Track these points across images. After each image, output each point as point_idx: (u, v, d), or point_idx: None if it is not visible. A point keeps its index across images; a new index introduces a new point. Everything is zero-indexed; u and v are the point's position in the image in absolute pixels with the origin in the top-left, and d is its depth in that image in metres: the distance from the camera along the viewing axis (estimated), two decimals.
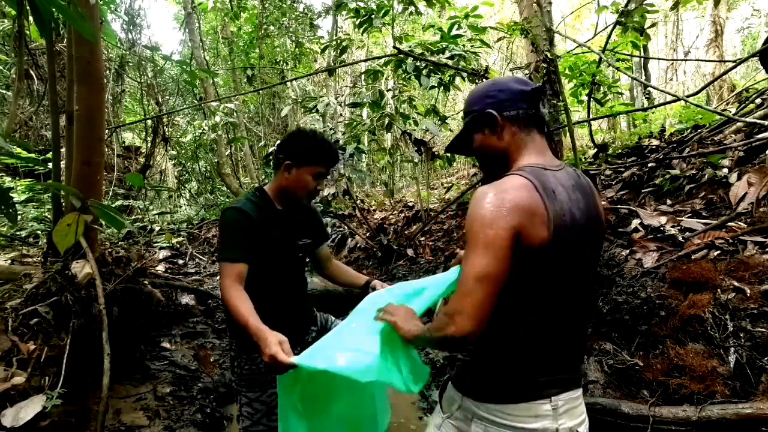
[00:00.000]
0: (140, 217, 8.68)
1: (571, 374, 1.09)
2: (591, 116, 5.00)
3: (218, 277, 5.71)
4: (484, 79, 3.80)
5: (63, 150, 2.59)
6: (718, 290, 2.06)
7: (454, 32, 4.23)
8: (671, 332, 2.03)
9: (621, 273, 2.32)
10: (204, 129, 8.73)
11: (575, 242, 1.03)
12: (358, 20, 4.67)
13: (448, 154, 5.10)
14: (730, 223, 2.66)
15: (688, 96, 4.43)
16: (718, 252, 2.45)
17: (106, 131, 3.77)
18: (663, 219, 3.08)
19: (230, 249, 1.56)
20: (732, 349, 1.84)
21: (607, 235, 3.32)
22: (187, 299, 3.61)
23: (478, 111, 1.13)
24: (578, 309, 1.10)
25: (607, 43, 4.26)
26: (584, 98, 4.58)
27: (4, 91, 6.82)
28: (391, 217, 7.00)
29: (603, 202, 3.76)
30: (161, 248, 6.83)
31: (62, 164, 2.56)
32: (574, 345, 1.11)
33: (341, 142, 4.87)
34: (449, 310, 0.98)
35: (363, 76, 7.16)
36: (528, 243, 0.97)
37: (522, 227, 0.96)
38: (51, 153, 2.54)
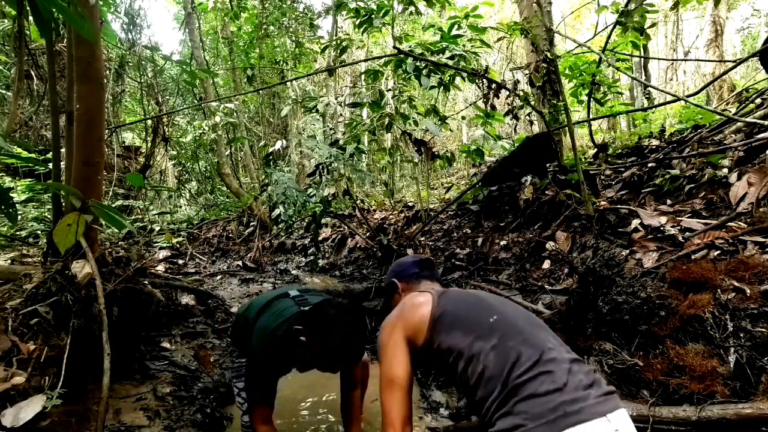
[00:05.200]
0: (140, 217, 8.69)
1: None
2: (591, 116, 5.00)
3: (219, 277, 5.72)
4: (484, 80, 3.80)
5: (63, 150, 2.59)
6: (718, 290, 2.06)
7: (454, 32, 4.23)
8: (671, 332, 2.03)
9: (621, 273, 2.31)
10: (204, 129, 8.73)
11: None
12: (358, 20, 4.67)
13: (448, 154, 5.10)
14: (730, 223, 2.66)
15: (688, 96, 4.43)
16: (718, 252, 2.45)
17: (106, 131, 3.77)
18: (663, 219, 3.08)
19: (259, 393, 1.73)
20: (732, 349, 1.84)
21: (606, 234, 3.32)
22: (187, 299, 3.61)
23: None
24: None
25: (607, 43, 4.26)
26: (584, 98, 4.58)
27: (4, 91, 6.82)
28: (391, 217, 7.00)
29: (603, 203, 3.77)
30: (161, 248, 6.84)
31: (62, 164, 2.56)
32: None
33: (341, 142, 4.87)
34: None
35: (363, 76, 7.16)
36: None
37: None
38: (51, 153, 2.54)
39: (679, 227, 2.91)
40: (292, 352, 1.65)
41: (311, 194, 4.44)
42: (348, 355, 1.65)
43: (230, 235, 8.79)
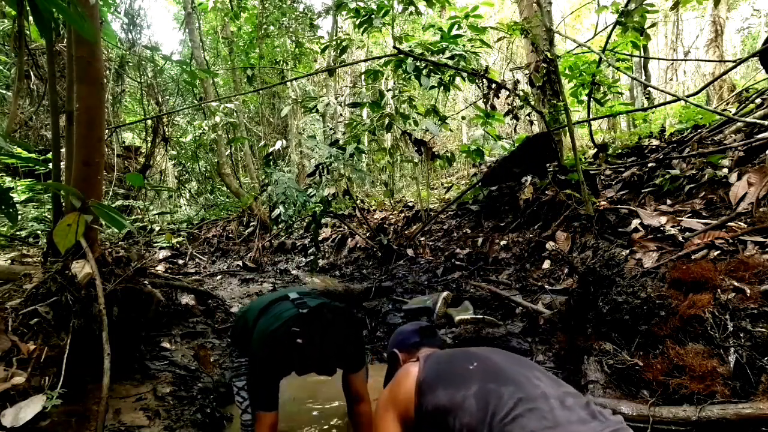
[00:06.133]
0: (140, 217, 8.69)
1: None
2: (591, 116, 5.00)
3: (219, 277, 5.71)
4: (484, 80, 3.80)
5: (63, 150, 2.59)
6: (718, 290, 2.06)
7: (454, 32, 4.23)
8: (671, 332, 2.03)
9: (621, 273, 2.32)
10: (204, 129, 8.73)
11: None
12: (358, 20, 4.67)
13: (448, 154, 5.10)
14: (730, 223, 2.66)
15: (688, 96, 4.43)
16: (718, 252, 2.45)
17: (106, 131, 3.77)
18: (663, 219, 3.08)
19: (264, 398, 1.68)
20: (732, 349, 1.84)
21: (606, 234, 3.32)
22: (187, 299, 3.61)
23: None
24: None
25: (607, 43, 4.26)
26: (584, 98, 4.57)
27: (4, 91, 6.82)
28: (391, 217, 7.00)
29: (603, 203, 3.77)
30: (161, 248, 6.85)
31: (62, 164, 2.56)
32: None
33: (341, 142, 4.87)
34: None
35: (363, 76, 7.16)
36: None
37: None
38: (51, 153, 2.54)
39: (679, 227, 2.91)
40: (291, 353, 1.66)
41: (311, 194, 4.44)
42: (344, 358, 1.65)
43: (230, 235, 8.79)
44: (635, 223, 3.19)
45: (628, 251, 2.91)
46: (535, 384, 1.19)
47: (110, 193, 7.72)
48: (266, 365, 1.67)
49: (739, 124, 3.91)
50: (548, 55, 4.02)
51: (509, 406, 1.12)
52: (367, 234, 5.88)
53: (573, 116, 4.70)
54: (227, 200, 11.15)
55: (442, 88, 4.35)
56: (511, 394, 1.15)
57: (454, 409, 1.22)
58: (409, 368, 1.46)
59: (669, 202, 3.45)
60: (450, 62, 4.04)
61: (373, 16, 4.60)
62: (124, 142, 10.92)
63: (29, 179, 4.98)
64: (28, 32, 4.09)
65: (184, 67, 3.91)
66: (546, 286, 3.23)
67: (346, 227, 6.78)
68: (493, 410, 1.14)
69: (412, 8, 4.84)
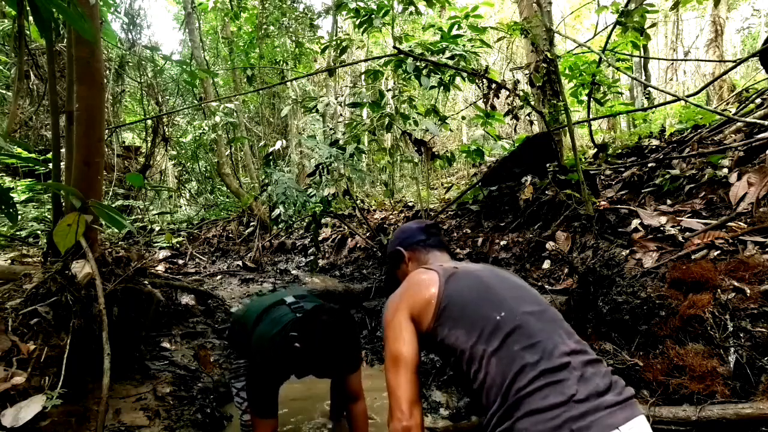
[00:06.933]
0: (140, 217, 8.69)
1: None
2: (591, 116, 5.00)
3: (219, 277, 5.71)
4: (484, 80, 3.80)
5: (63, 150, 2.59)
6: (718, 290, 2.06)
7: (454, 32, 4.23)
8: (671, 332, 2.03)
9: (621, 273, 2.32)
10: (204, 129, 8.73)
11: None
12: (358, 20, 4.67)
13: (448, 154, 5.10)
14: (730, 223, 2.66)
15: (688, 96, 4.43)
16: (718, 252, 2.45)
17: (106, 131, 3.77)
18: (663, 219, 3.08)
19: (264, 405, 1.70)
20: (732, 349, 1.84)
21: (606, 234, 3.32)
22: (187, 299, 3.61)
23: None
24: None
25: (607, 43, 4.26)
26: (584, 98, 4.57)
27: (4, 91, 6.82)
28: (391, 217, 7.00)
29: (603, 203, 3.77)
30: (161, 248, 6.84)
31: (62, 164, 2.56)
32: None
33: (341, 142, 4.87)
34: None
35: (363, 76, 7.16)
36: None
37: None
38: (51, 153, 2.54)
39: (679, 227, 2.92)
40: (290, 359, 1.67)
41: (311, 194, 4.44)
42: (342, 359, 1.65)
43: (230, 235, 8.79)
44: (635, 223, 3.19)
45: (628, 251, 2.91)
46: (561, 351, 1.14)
47: (110, 193, 7.71)
48: (266, 372, 1.68)
49: (739, 124, 3.91)
50: (548, 55, 4.02)
51: (530, 377, 1.09)
52: (367, 234, 5.88)
53: (573, 116, 4.69)
54: (227, 200, 11.15)
55: (442, 88, 4.35)
56: (535, 364, 1.11)
57: (473, 359, 1.18)
58: (425, 277, 1.37)
59: (669, 202, 3.45)
60: (450, 62, 4.04)
61: (373, 16, 4.60)
62: (124, 142, 10.91)
63: (29, 179, 4.98)
64: (28, 32, 4.09)
65: (184, 67, 3.91)
66: (546, 286, 3.23)
67: (346, 227, 6.77)
68: (513, 377, 1.10)
69: (412, 8, 4.83)
